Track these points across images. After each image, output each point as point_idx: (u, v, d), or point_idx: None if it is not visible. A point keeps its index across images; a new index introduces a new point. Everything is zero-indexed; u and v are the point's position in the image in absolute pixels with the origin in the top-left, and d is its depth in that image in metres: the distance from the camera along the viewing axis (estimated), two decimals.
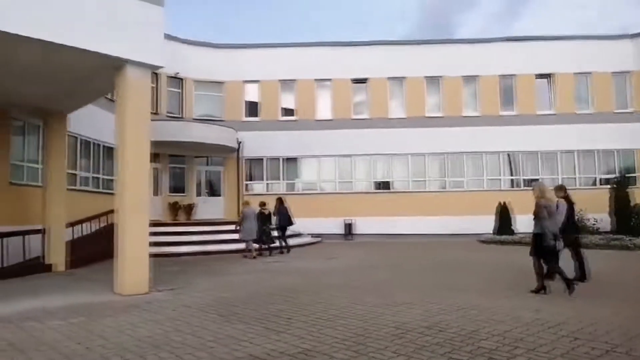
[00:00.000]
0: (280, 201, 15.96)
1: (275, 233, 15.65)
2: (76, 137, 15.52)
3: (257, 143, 22.04)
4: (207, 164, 22.13)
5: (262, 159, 22.52)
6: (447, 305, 6.80)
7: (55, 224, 12.00)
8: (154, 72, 20.59)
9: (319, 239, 20.67)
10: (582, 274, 8.63)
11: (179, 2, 58.22)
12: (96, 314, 6.72)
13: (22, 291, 8.76)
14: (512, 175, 22.30)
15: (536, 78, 22.53)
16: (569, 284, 7.43)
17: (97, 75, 9.27)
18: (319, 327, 5.69)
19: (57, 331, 5.74)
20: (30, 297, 8.10)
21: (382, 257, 14.21)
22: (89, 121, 16.10)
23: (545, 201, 7.85)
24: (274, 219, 15.69)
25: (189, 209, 20.66)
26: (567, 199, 8.77)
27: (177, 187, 21.13)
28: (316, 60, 22.55)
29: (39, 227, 12.02)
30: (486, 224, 19.74)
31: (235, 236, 17.00)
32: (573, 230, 8.76)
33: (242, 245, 15.82)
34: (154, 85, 20.88)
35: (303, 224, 21.34)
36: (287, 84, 22.84)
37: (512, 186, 22.08)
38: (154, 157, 20.42)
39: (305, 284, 9.07)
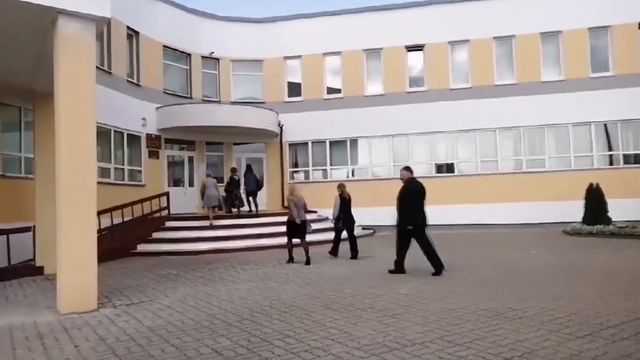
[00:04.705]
0: (248, 168, 17.16)
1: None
2: None
3: (300, 126, 19.85)
4: (247, 151, 20.28)
5: (306, 143, 20.30)
6: (479, 352, 4.15)
7: (45, 221, 10.55)
8: (186, 53, 19.28)
9: (371, 231, 18.10)
10: (353, 253, 11.11)
11: None
12: None
13: None
14: (606, 150, 18.21)
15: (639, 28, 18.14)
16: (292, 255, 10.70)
17: (45, 38, 7.46)
18: None
19: None
20: None
21: None
22: (109, 107, 14.77)
23: (293, 198, 10.74)
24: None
25: None
26: (342, 195, 11.20)
27: (215, 177, 19.39)
28: (364, 27, 19.84)
29: (30, 224, 10.72)
30: (574, 210, 16.01)
31: (271, 230, 15.22)
32: (347, 219, 11.20)
33: (273, 242, 14.00)
34: (187, 68, 19.38)
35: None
36: (331, 57, 20.35)
37: (607, 164, 18.03)
38: (189, 144, 19.21)
39: (303, 299, 6.74)
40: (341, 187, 11.45)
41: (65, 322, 5.94)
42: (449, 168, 19.35)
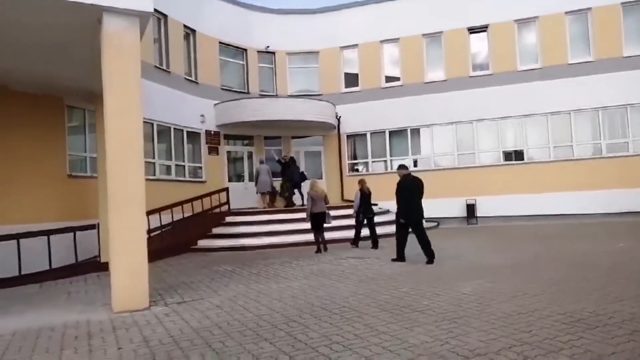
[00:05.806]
0: (291, 160, 17.77)
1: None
2: (152, 123, 14.47)
3: (358, 117, 19.34)
4: (305, 144, 20.05)
5: (365, 134, 19.75)
6: None
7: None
8: (242, 49, 19.30)
9: (435, 223, 17.31)
10: (374, 244, 11.87)
11: None
12: (10, 352, 4.90)
13: (19, 301, 7.48)
14: None
15: None
16: (319, 246, 11.68)
17: (95, 37, 7.50)
18: None
19: None
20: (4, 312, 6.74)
21: (498, 250, 10.62)
22: (168, 105, 15.10)
23: (311, 192, 11.66)
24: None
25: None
26: (362, 190, 11.96)
27: (274, 172, 19.34)
28: (422, 12, 18.90)
29: (96, 222, 11.04)
30: None
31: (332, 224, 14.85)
32: (367, 211, 11.96)
33: (333, 235, 13.56)
34: (243, 63, 19.42)
35: None
36: (389, 44, 19.62)
37: None
38: (248, 139, 19.26)
39: (357, 298, 6.33)
40: (361, 182, 12.23)
41: (115, 321, 5.90)
42: (518, 155, 18.09)
